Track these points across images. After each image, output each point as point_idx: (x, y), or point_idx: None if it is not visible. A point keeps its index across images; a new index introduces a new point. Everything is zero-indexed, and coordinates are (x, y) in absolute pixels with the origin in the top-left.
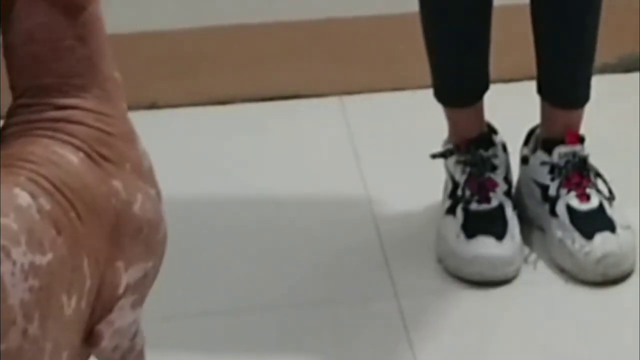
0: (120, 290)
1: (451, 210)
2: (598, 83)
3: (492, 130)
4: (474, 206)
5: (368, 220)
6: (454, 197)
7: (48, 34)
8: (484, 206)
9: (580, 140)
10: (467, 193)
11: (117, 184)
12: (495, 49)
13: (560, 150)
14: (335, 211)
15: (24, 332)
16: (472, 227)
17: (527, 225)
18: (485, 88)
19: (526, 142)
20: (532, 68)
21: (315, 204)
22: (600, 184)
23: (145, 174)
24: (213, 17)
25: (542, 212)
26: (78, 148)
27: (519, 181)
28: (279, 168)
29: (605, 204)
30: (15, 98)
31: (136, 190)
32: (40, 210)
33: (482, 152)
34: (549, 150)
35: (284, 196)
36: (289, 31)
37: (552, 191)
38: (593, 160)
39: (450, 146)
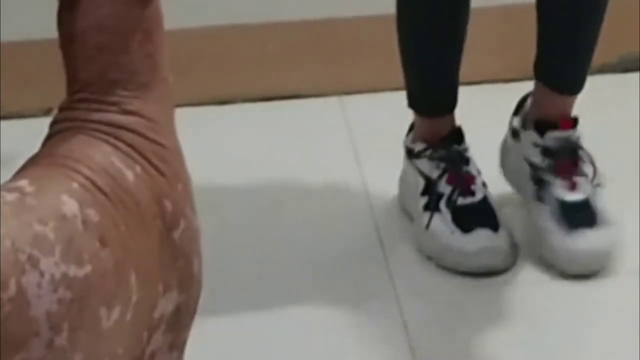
0: (156, 313)
1: (431, 207)
2: (598, 83)
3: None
4: (460, 201)
5: (368, 220)
6: (431, 193)
7: (117, 23)
8: (470, 199)
9: (573, 124)
10: (448, 188)
11: (167, 204)
12: (495, 49)
13: (553, 134)
14: (335, 211)
15: (50, 343)
16: (466, 221)
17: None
18: (453, 105)
19: (516, 112)
20: (532, 68)
21: (316, 203)
22: (588, 168)
23: (191, 200)
24: (213, 17)
25: (528, 189)
26: (136, 162)
27: (505, 151)
28: (279, 168)
29: (593, 194)
30: (73, 92)
31: (181, 216)
32: (85, 221)
33: (456, 147)
34: (541, 133)
35: (284, 196)
36: (289, 31)
37: (542, 174)
38: None
39: (422, 145)
